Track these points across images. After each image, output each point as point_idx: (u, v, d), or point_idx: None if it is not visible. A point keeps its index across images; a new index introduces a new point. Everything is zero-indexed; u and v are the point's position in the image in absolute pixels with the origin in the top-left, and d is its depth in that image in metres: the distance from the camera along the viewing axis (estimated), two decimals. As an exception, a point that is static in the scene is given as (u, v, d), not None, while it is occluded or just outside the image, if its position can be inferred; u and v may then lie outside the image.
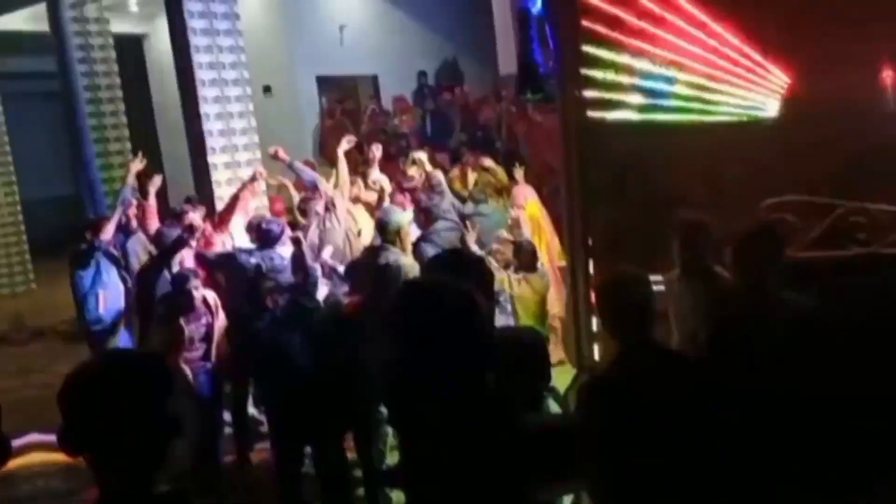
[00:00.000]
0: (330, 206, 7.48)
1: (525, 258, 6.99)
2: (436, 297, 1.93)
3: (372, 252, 6.37)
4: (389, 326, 1.94)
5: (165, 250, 6.84)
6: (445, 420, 1.87)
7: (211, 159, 9.34)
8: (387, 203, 7.76)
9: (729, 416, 3.30)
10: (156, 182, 8.46)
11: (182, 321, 6.18)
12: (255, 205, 8.49)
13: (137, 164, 8.81)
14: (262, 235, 6.78)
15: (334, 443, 5.62)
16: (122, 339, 7.43)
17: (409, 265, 5.98)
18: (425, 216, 7.58)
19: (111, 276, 7.51)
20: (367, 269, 6.16)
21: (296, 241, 6.10)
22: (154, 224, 8.04)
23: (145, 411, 2.05)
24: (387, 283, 5.66)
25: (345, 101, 15.65)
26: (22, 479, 5.90)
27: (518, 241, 7.41)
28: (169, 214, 8.62)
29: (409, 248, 6.43)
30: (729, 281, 4.38)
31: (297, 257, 6.01)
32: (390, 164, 10.64)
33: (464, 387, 1.86)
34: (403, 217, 6.70)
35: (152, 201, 8.38)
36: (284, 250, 6.53)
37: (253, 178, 8.51)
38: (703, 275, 4.43)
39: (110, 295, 7.45)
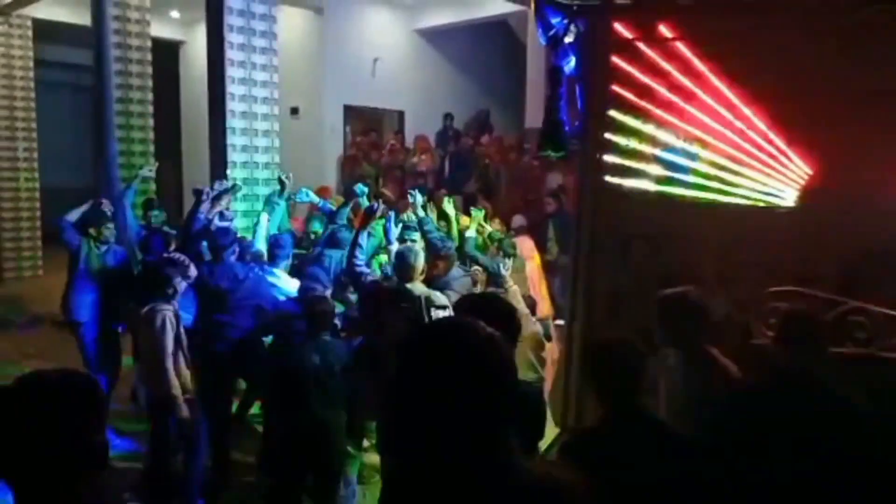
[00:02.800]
0: None
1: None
2: (453, 336, 1.82)
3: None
4: (401, 361, 1.83)
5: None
6: (437, 465, 1.77)
7: (230, 172, 9.42)
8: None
9: (708, 497, 3.30)
10: None
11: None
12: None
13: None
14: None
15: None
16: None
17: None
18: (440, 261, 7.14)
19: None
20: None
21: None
22: None
23: (61, 438, 1.96)
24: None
25: (369, 132, 15.74)
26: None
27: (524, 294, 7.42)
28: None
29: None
30: (729, 366, 4.36)
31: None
32: (403, 200, 10.71)
33: (472, 436, 1.75)
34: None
35: None
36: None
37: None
38: (700, 354, 4.40)
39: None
